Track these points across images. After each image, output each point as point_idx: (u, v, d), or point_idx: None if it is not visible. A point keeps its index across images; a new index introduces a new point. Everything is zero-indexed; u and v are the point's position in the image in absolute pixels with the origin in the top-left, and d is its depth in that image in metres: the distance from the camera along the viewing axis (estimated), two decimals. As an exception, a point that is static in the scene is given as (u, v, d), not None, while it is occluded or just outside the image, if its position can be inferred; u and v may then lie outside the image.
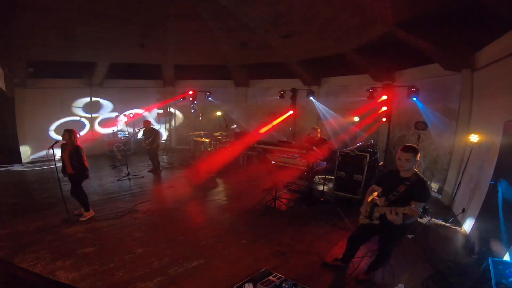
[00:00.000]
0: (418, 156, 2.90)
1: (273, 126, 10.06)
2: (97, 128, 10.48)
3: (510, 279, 2.40)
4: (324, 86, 10.13)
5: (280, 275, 3.26)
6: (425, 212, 5.11)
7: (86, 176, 4.90)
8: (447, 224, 4.94)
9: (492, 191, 3.92)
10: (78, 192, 4.92)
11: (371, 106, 7.54)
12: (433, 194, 6.19)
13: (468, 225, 4.61)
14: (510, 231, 3.13)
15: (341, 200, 6.03)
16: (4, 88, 7.99)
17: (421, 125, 6.35)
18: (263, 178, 6.93)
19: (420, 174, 2.94)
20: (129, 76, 10.61)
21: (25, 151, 9.12)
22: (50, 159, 4.88)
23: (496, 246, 3.38)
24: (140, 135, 9.71)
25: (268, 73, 10.85)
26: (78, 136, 4.90)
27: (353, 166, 5.89)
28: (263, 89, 11.46)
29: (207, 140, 9.39)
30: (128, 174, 7.61)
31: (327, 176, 6.71)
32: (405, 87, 6.65)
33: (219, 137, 9.44)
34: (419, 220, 4.94)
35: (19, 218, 4.87)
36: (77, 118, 10.09)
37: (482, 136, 4.56)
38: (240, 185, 7.19)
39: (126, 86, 10.84)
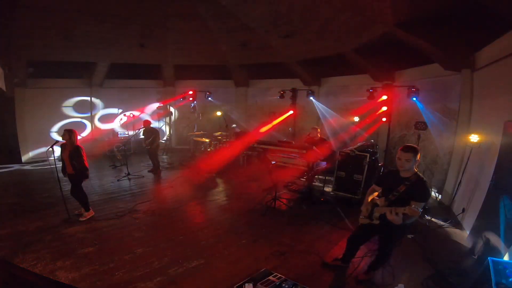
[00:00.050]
0: (418, 156, 2.90)
1: (273, 126, 10.06)
2: (97, 124, 10.50)
3: (510, 279, 2.40)
4: (324, 86, 10.13)
5: (280, 275, 3.26)
6: (425, 212, 5.11)
7: (86, 176, 4.90)
8: (446, 224, 4.94)
9: (492, 191, 3.93)
10: (78, 192, 4.92)
11: (371, 106, 7.54)
12: (433, 194, 6.19)
13: (468, 225, 4.61)
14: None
15: (341, 200, 6.03)
16: (4, 88, 7.99)
17: (421, 125, 6.35)
18: (263, 178, 6.93)
19: (420, 174, 2.94)
20: (129, 76, 10.61)
21: (25, 151, 9.11)
22: (50, 159, 4.87)
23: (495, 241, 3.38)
24: (140, 135, 9.71)
25: (268, 73, 10.84)
26: (78, 136, 4.90)
27: (353, 166, 5.89)
28: (263, 89, 11.46)
29: (207, 140, 9.39)
30: (128, 174, 7.61)
31: (327, 177, 6.71)
32: (405, 87, 6.65)
33: (219, 137, 9.45)
34: (419, 220, 4.94)
35: (19, 218, 4.87)
36: (78, 119, 10.11)
37: (482, 136, 4.56)
38: (240, 185, 7.18)
39: (126, 86, 10.84)
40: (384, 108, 7.08)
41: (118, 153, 9.32)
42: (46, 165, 8.50)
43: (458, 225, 4.94)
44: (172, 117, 11.90)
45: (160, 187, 7.13)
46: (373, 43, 6.88)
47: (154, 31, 8.52)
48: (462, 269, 3.58)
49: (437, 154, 6.49)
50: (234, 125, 10.10)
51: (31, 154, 9.25)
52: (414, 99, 6.42)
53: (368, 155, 5.76)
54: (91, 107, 10.26)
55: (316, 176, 7.00)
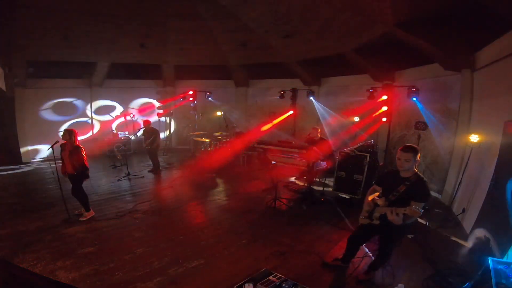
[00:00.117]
0: (418, 156, 2.90)
1: (273, 125, 10.08)
2: (96, 124, 10.50)
3: (510, 279, 2.40)
4: (324, 86, 10.13)
5: (280, 275, 3.25)
6: (426, 213, 5.10)
7: (87, 176, 4.91)
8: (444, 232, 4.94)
9: (492, 191, 3.93)
10: (78, 192, 4.92)
11: (371, 106, 7.55)
12: (433, 194, 6.19)
13: (468, 225, 4.61)
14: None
15: (341, 200, 6.04)
16: (4, 88, 7.99)
17: (421, 125, 6.36)
18: (263, 178, 6.93)
19: (420, 174, 2.94)
20: (129, 76, 10.61)
21: (25, 151, 9.12)
22: (50, 159, 4.87)
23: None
24: (140, 135, 9.70)
25: (268, 73, 10.84)
26: (78, 136, 4.90)
27: (353, 166, 5.89)
28: (263, 89, 11.46)
29: (207, 140, 9.39)
30: (128, 174, 7.61)
31: (327, 177, 6.71)
32: (405, 87, 6.65)
33: (219, 137, 9.45)
34: (419, 220, 4.94)
35: (19, 218, 4.87)
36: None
37: (482, 136, 4.56)
38: (240, 185, 7.18)
39: (126, 86, 10.84)
40: (384, 108, 7.09)
41: (118, 153, 9.32)
42: (46, 165, 8.53)
43: (458, 225, 4.94)
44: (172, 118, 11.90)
45: (160, 187, 7.13)
46: (373, 43, 6.88)
47: (154, 31, 8.52)
48: (462, 269, 3.58)
49: (437, 154, 6.48)
50: (234, 125, 10.11)
51: (31, 154, 9.24)
52: (414, 99, 6.42)
53: (368, 155, 5.76)
54: (91, 106, 10.25)
55: (316, 176, 7.00)
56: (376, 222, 3.07)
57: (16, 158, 8.82)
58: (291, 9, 7.00)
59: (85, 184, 5.07)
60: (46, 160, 8.99)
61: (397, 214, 2.82)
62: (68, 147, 4.75)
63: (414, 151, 2.88)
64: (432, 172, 6.58)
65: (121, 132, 10.55)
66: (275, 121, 10.18)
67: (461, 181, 5.28)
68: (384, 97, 6.96)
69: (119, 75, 10.23)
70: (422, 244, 4.22)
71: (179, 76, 11.19)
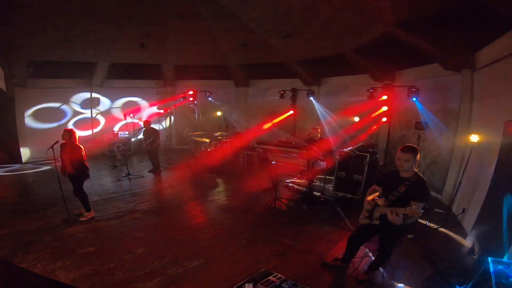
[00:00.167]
0: (418, 156, 2.90)
1: (273, 125, 10.09)
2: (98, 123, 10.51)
3: (510, 279, 2.40)
4: (324, 86, 10.13)
5: (280, 275, 3.25)
6: (426, 213, 5.10)
7: (87, 176, 4.91)
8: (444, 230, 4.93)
9: (492, 191, 3.92)
10: (79, 192, 4.92)
11: (371, 106, 7.55)
12: (433, 194, 6.19)
13: (468, 225, 4.61)
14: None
15: (341, 200, 6.03)
16: (4, 88, 7.99)
17: (421, 125, 6.35)
18: (263, 178, 6.93)
19: (420, 174, 2.94)
20: (129, 76, 10.61)
21: (25, 151, 9.12)
22: (50, 159, 4.87)
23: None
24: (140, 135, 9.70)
25: (268, 73, 10.85)
26: (77, 136, 4.89)
27: (353, 166, 5.89)
28: (263, 89, 11.46)
29: (207, 140, 9.39)
30: (128, 174, 7.61)
31: (327, 177, 6.70)
32: (405, 87, 6.65)
33: (219, 137, 9.45)
34: (419, 220, 4.94)
35: (19, 218, 4.87)
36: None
37: (482, 136, 4.56)
38: (240, 185, 7.18)
39: (126, 86, 10.85)
40: (384, 108, 7.09)
41: (118, 153, 9.32)
42: (46, 165, 8.53)
43: (458, 225, 4.94)
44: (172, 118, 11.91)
45: (160, 187, 7.13)
46: (373, 43, 6.88)
47: (154, 31, 8.52)
48: (462, 269, 3.58)
49: (437, 154, 6.48)
50: (234, 125, 10.12)
51: (31, 154, 9.24)
52: (414, 99, 6.41)
53: (368, 155, 5.76)
54: (91, 106, 10.25)
55: (316, 176, 7.00)
56: (376, 222, 3.07)
57: (16, 158, 8.82)
58: (291, 9, 7.00)
59: (85, 184, 5.07)
60: (46, 160, 8.99)
61: (397, 214, 2.82)
62: (68, 147, 4.75)
63: (413, 151, 2.88)
64: (432, 172, 6.57)
65: (121, 132, 10.56)
66: (275, 121, 10.19)
67: (461, 181, 5.28)
68: (384, 97, 6.96)
69: (119, 75, 10.24)
70: (422, 244, 4.22)
71: (179, 76, 11.20)
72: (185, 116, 11.80)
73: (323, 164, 6.47)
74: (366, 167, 5.72)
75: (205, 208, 5.79)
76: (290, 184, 7.07)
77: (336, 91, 9.66)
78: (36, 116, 9.37)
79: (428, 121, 6.43)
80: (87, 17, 7.32)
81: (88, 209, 4.99)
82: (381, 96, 7.04)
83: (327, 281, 3.45)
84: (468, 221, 4.63)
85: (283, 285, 3.07)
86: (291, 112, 10.28)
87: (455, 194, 5.48)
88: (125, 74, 10.39)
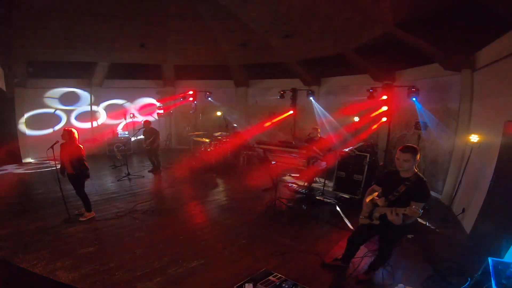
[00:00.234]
0: (418, 156, 2.90)
1: (273, 124, 10.10)
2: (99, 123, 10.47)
3: (510, 279, 2.40)
4: (324, 86, 10.13)
5: (280, 275, 3.25)
6: (426, 213, 5.10)
7: (87, 176, 4.91)
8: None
9: (492, 191, 3.92)
10: (80, 193, 4.93)
11: (371, 106, 7.55)
12: (433, 194, 6.18)
13: (468, 225, 4.61)
14: None
15: (341, 200, 6.03)
16: (4, 88, 7.99)
17: (421, 125, 6.35)
18: (263, 178, 6.93)
19: (420, 174, 2.94)
20: (129, 76, 10.62)
21: (25, 151, 9.11)
22: (50, 159, 4.86)
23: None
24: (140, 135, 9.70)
25: (268, 73, 10.85)
26: (77, 135, 4.89)
27: (353, 166, 5.89)
28: (263, 89, 11.46)
29: (207, 140, 9.39)
30: (128, 174, 7.61)
31: (327, 177, 6.71)
32: (405, 87, 6.65)
33: (219, 137, 9.45)
34: (419, 220, 4.94)
35: (19, 218, 4.87)
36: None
37: (482, 136, 4.56)
38: (240, 185, 7.18)
39: (126, 86, 10.84)
40: (384, 108, 7.09)
41: (118, 153, 9.32)
42: (46, 165, 8.52)
43: (458, 225, 4.94)
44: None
45: (160, 187, 7.13)
46: (373, 43, 6.88)
47: (154, 31, 8.53)
48: (462, 269, 3.58)
49: (437, 154, 6.48)
50: (234, 125, 10.12)
51: (31, 154, 9.24)
52: (414, 99, 6.41)
53: (368, 155, 5.76)
54: (91, 105, 10.25)
55: (316, 176, 7.01)
56: (376, 222, 3.07)
57: (16, 158, 8.82)
58: (291, 9, 7.00)
59: (85, 184, 5.06)
60: (46, 160, 8.99)
61: (397, 214, 2.82)
62: (68, 147, 4.74)
63: (413, 151, 2.88)
64: (432, 172, 6.57)
65: (121, 132, 10.56)
66: (275, 120, 10.21)
67: (461, 181, 5.28)
68: (384, 97, 6.96)
69: (119, 75, 10.24)
70: (422, 244, 4.22)
71: (179, 76, 11.20)
72: (185, 116, 11.80)
73: (323, 164, 6.47)
74: (366, 167, 5.72)
75: (205, 208, 5.79)
76: (290, 184, 7.07)
77: (336, 91, 9.65)
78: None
79: (428, 121, 6.43)
80: (87, 17, 7.32)
81: (88, 210, 5.00)
82: (381, 96, 7.04)
83: (327, 281, 3.45)
84: (468, 221, 4.63)
85: (283, 285, 3.07)
86: (291, 112, 10.28)
87: (455, 194, 5.48)
88: (125, 74, 10.39)
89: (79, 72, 9.63)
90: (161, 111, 11.21)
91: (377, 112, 7.41)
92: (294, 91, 10.18)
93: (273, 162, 6.30)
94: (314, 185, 6.88)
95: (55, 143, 4.80)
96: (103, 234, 4.48)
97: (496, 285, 2.36)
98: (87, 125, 10.30)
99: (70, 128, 4.83)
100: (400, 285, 3.22)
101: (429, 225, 4.90)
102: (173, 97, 11.34)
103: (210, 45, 9.28)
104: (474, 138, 4.62)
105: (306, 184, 6.71)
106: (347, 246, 3.58)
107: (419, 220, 4.93)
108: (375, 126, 7.67)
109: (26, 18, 6.80)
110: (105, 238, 4.35)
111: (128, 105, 10.95)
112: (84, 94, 10.11)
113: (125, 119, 10.57)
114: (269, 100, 11.05)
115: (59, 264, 3.58)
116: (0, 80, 7.66)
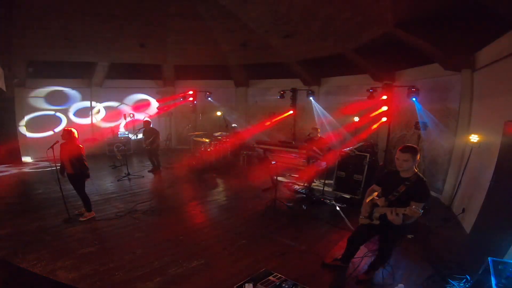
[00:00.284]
0: (418, 156, 2.90)
1: (273, 124, 10.11)
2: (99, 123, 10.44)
3: (510, 279, 2.40)
4: (324, 86, 10.13)
5: (280, 275, 3.26)
6: (426, 213, 5.10)
7: (87, 176, 4.91)
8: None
9: (492, 191, 3.92)
10: (80, 193, 4.93)
11: (371, 105, 7.55)
12: (433, 194, 6.18)
13: (468, 225, 4.61)
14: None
15: (341, 200, 6.03)
16: (4, 88, 7.99)
17: (421, 125, 6.35)
18: (263, 178, 6.93)
19: (420, 174, 2.94)
20: (129, 76, 10.61)
21: (25, 151, 9.11)
22: (50, 159, 4.86)
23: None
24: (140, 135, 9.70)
25: (268, 73, 10.85)
26: (77, 135, 4.89)
27: (353, 166, 5.89)
28: (263, 89, 11.46)
29: (207, 140, 9.39)
30: (128, 174, 7.61)
31: (327, 177, 6.71)
32: (405, 87, 6.65)
33: (219, 137, 9.45)
34: (419, 220, 4.93)
35: (19, 218, 4.87)
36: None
37: (482, 136, 4.56)
38: (240, 185, 7.18)
39: (126, 86, 10.84)
40: (384, 108, 7.08)
41: (118, 153, 9.31)
42: (46, 165, 8.52)
43: (458, 225, 4.94)
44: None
45: (160, 187, 7.13)
46: (373, 43, 6.88)
47: (154, 31, 8.52)
48: (462, 269, 3.58)
49: (437, 154, 6.48)
50: (234, 125, 10.12)
51: (30, 154, 9.23)
52: (414, 99, 6.41)
53: (368, 155, 5.76)
54: (91, 104, 10.24)
55: (316, 176, 7.01)
56: (376, 222, 3.07)
57: (15, 157, 8.82)
58: (291, 9, 6.99)
59: (85, 184, 5.06)
60: (45, 160, 8.98)
61: (397, 214, 2.82)
62: (68, 147, 4.74)
63: (412, 151, 2.88)
64: (432, 172, 6.57)
65: (121, 132, 10.55)
66: (275, 120, 10.23)
67: (461, 181, 5.28)
68: (384, 97, 6.96)
69: (119, 75, 10.24)
70: (422, 244, 4.22)
71: (179, 76, 11.20)
72: (185, 116, 11.80)
73: (323, 164, 6.47)
74: (366, 167, 5.72)
75: (205, 208, 5.79)
76: (290, 184, 7.06)
77: (336, 91, 9.65)
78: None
79: (427, 121, 6.43)
80: (87, 17, 7.32)
81: (89, 209, 5.00)
82: (381, 96, 7.04)
83: (327, 281, 3.45)
84: (468, 221, 4.63)
85: (283, 285, 3.07)
86: (291, 112, 10.28)
87: (455, 194, 5.48)
88: (125, 74, 10.39)
89: (79, 72, 9.62)
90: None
91: (377, 112, 7.41)
92: (294, 91, 10.19)
93: (273, 162, 6.30)
94: (314, 185, 6.87)
95: (55, 143, 4.80)
96: (103, 234, 4.48)
97: (496, 285, 2.36)
98: (86, 120, 10.29)
99: (70, 128, 4.84)
100: (400, 285, 3.22)
101: (429, 225, 4.89)
102: (173, 97, 11.34)
103: (210, 45, 9.28)
104: (474, 138, 4.63)
105: (306, 184, 6.71)
106: (347, 246, 3.58)
107: (419, 220, 4.93)
108: (375, 126, 7.67)
109: (26, 18, 6.80)
110: (105, 238, 4.36)
111: (126, 106, 10.93)
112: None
113: (125, 119, 10.56)
114: (269, 100, 11.05)
115: (59, 264, 3.59)
116: (0, 80, 7.66)
